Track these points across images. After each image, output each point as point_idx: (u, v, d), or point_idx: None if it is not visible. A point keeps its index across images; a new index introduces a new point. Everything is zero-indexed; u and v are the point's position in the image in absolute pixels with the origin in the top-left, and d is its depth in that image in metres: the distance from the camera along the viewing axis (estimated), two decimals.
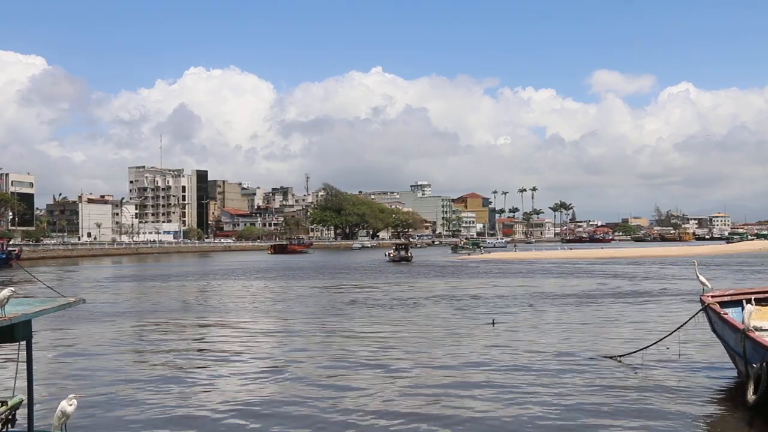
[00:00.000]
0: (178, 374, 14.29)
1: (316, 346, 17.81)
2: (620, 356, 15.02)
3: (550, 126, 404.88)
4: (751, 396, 10.39)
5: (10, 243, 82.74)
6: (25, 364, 7.29)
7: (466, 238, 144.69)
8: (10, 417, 7.19)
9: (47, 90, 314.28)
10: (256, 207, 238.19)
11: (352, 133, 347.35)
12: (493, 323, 21.39)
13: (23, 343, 7.16)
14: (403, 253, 78.68)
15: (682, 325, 14.51)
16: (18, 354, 7.45)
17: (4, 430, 7.24)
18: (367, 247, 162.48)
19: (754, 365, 10.45)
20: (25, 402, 7.44)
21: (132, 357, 16.62)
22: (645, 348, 14.98)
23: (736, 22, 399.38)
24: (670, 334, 14.87)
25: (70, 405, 7.08)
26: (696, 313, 13.92)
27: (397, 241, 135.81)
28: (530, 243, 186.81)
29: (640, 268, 54.32)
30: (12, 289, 6.62)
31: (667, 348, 15.07)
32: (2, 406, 7.18)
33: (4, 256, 61.15)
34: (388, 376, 13.87)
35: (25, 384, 7.30)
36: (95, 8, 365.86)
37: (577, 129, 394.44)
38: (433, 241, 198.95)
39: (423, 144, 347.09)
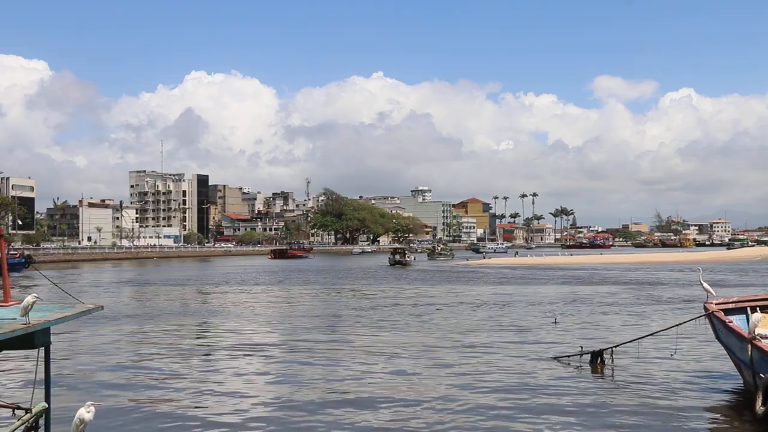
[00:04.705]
0: (185, 380, 14.20)
1: (321, 350, 17.68)
2: (609, 349, 15.00)
3: (552, 131, 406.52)
4: (759, 407, 10.19)
5: (10, 246, 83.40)
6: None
7: (443, 244, 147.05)
8: (34, 424, 7.16)
9: (56, 94, 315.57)
10: (256, 212, 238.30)
11: (355, 138, 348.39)
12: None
13: (41, 349, 7.17)
14: (398, 257, 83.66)
15: (668, 327, 14.79)
16: (37, 361, 7.41)
17: None
18: (367, 252, 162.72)
19: (762, 375, 10.25)
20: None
21: (140, 362, 16.49)
22: (617, 345, 15.19)
23: (737, 29, 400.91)
24: (653, 334, 15.36)
25: (88, 412, 7.02)
26: (695, 318, 13.90)
27: (395, 246, 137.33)
28: (530, 248, 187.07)
29: (643, 273, 54.18)
30: (35, 296, 6.60)
31: (672, 355, 14.99)
32: (27, 413, 7.13)
33: (23, 260, 62.96)
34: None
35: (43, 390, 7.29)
36: (96, 12, 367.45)
37: (579, 134, 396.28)
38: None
39: (425, 149, 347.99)
